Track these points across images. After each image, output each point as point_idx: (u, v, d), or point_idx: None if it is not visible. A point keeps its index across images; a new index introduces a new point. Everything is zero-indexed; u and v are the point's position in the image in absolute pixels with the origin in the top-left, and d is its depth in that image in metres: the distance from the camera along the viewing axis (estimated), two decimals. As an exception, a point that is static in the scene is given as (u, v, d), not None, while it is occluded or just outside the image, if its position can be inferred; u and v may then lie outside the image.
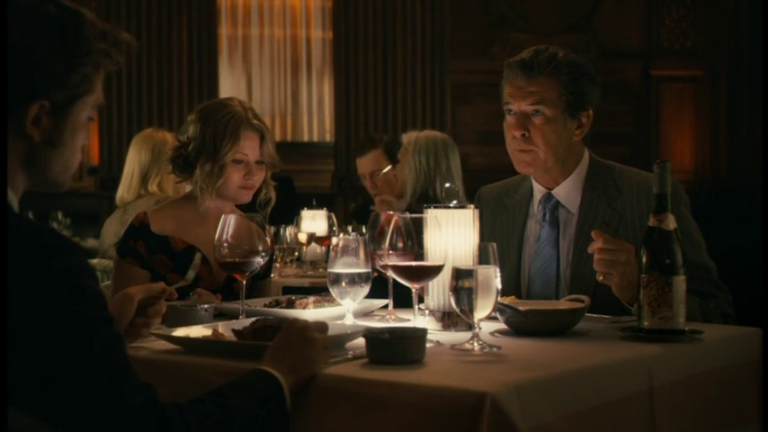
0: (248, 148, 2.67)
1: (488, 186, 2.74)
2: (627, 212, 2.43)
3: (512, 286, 2.50)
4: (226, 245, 2.22)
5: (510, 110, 2.48)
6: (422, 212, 2.19)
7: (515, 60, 2.47)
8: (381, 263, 2.24)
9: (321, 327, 1.75)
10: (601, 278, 2.17)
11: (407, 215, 2.27)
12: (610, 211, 2.45)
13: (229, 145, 2.64)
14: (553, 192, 2.52)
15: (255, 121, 2.69)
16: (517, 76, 2.46)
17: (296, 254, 4.73)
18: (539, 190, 2.55)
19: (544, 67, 2.43)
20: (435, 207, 2.17)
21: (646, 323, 1.95)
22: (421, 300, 2.26)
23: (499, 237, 2.57)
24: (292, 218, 4.50)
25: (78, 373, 1.38)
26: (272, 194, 2.82)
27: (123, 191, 4.25)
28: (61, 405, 1.37)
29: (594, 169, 2.52)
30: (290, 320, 1.79)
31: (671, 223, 1.98)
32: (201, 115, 2.69)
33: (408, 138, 4.33)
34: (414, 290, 2.07)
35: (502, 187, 2.68)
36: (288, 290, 3.87)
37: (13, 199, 1.49)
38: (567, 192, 2.51)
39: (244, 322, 1.95)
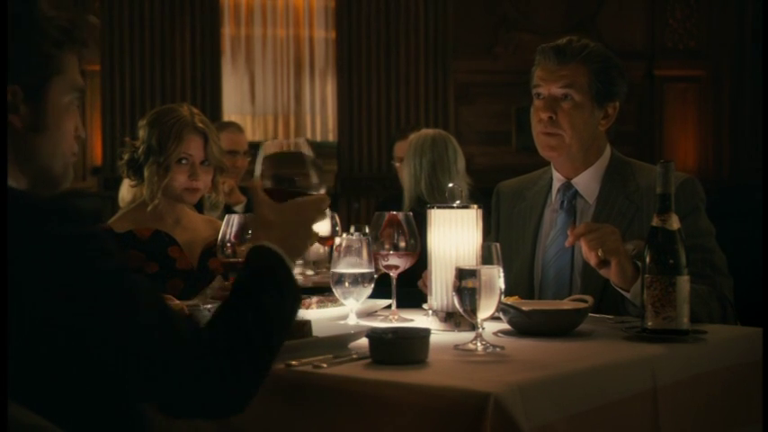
0: (192, 148, 2.84)
1: (507, 181, 2.78)
2: (644, 206, 2.45)
3: (525, 273, 2.53)
4: (229, 245, 2.22)
5: (539, 93, 2.51)
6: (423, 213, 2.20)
7: (549, 46, 2.52)
8: (384, 263, 2.24)
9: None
10: (601, 255, 2.17)
11: (410, 214, 2.28)
12: (627, 203, 2.48)
13: (174, 146, 2.81)
14: (573, 181, 2.55)
15: (200, 125, 2.86)
16: (549, 60, 2.49)
17: (299, 253, 4.71)
18: (558, 179, 2.59)
19: (577, 54, 2.48)
20: (439, 207, 2.17)
21: (649, 323, 1.94)
22: (424, 299, 2.26)
23: (516, 225, 2.62)
24: (295, 218, 4.49)
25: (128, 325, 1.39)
26: (221, 198, 3.02)
27: (125, 191, 4.26)
28: (99, 364, 1.38)
29: (615, 163, 2.56)
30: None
31: (674, 223, 1.97)
32: (150, 120, 2.87)
33: (409, 140, 4.33)
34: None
35: (522, 181, 2.73)
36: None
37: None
38: (587, 182, 2.54)
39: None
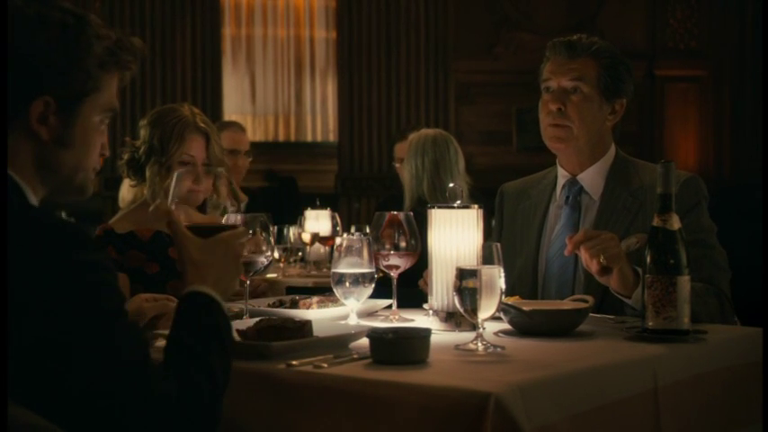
0: (195, 149, 2.82)
1: (511, 182, 2.80)
2: (647, 202, 2.46)
3: (530, 269, 2.55)
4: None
5: (548, 87, 2.55)
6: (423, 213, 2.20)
7: (559, 40, 2.57)
8: (385, 263, 2.24)
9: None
10: (603, 261, 2.16)
11: (411, 214, 2.28)
12: (631, 199, 2.50)
13: (176, 146, 2.79)
14: (578, 177, 2.58)
15: (202, 125, 2.83)
16: (560, 54, 2.54)
17: (300, 254, 4.73)
18: (563, 175, 2.61)
19: (586, 49, 2.53)
20: (439, 207, 2.17)
21: (650, 323, 1.94)
22: (425, 299, 2.26)
23: (520, 222, 2.64)
24: (296, 218, 4.51)
25: (96, 366, 1.38)
26: (223, 199, 2.91)
27: (125, 191, 4.26)
28: (80, 398, 1.37)
29: (619, 161, 2.59)
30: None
31: (675, 223, 1.97)
32: (151, 120, 2.85)
33: (409, 140, 4.33)
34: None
35: (526, 181, 2.75)
36: (291, 290, 3.88)
37: (33, 198, 1.51)
38: (592, 178, 2.56)
39: (248, 322, 1.95)
